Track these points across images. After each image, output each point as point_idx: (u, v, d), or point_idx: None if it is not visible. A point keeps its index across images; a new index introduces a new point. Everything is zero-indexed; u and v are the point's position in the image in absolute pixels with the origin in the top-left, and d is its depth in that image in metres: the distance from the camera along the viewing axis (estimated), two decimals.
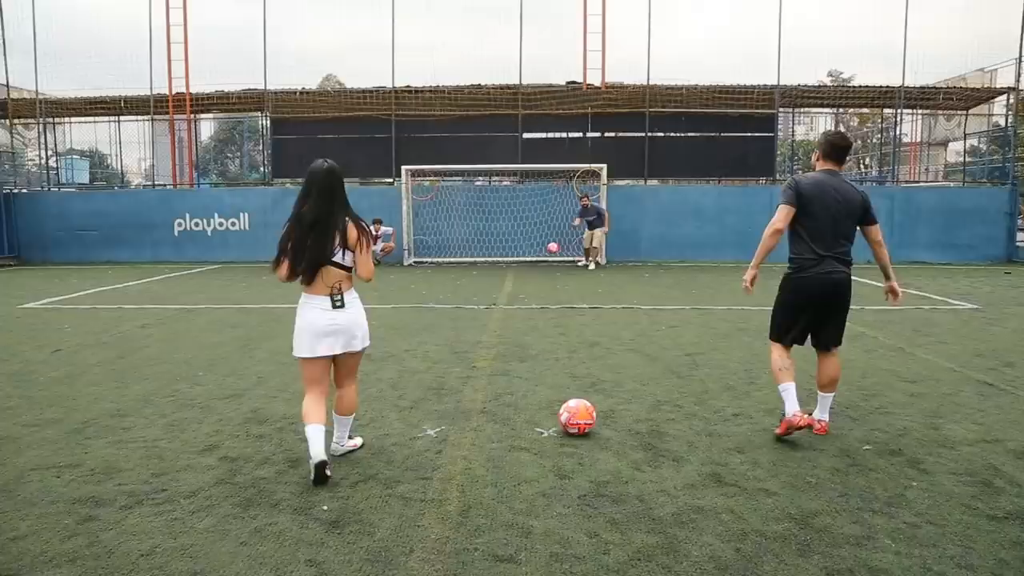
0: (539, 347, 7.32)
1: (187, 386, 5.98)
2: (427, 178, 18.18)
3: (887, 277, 4.64)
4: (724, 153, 18.74)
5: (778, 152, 26.31)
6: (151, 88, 19.09)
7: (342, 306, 3.99)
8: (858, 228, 4.47)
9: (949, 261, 17.33)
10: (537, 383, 5.92)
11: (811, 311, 4.46)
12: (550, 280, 13.81)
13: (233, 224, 18.73)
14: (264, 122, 19.64)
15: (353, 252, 3.97)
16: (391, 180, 18.45)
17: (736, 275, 14.79)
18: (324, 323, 3.98)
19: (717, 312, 9.60)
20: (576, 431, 4.54)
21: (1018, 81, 18.72)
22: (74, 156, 34.53)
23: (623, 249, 17.39)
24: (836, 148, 4.43)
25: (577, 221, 16.70)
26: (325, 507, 3.60)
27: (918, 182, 34.28)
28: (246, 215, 18.66)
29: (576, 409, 4.55)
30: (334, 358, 4.09)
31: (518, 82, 18.12)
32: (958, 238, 17.66)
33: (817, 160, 4.52)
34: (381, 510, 3.55)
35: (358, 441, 4.45)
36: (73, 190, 27.92)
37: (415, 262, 17.39)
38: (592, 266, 16.31)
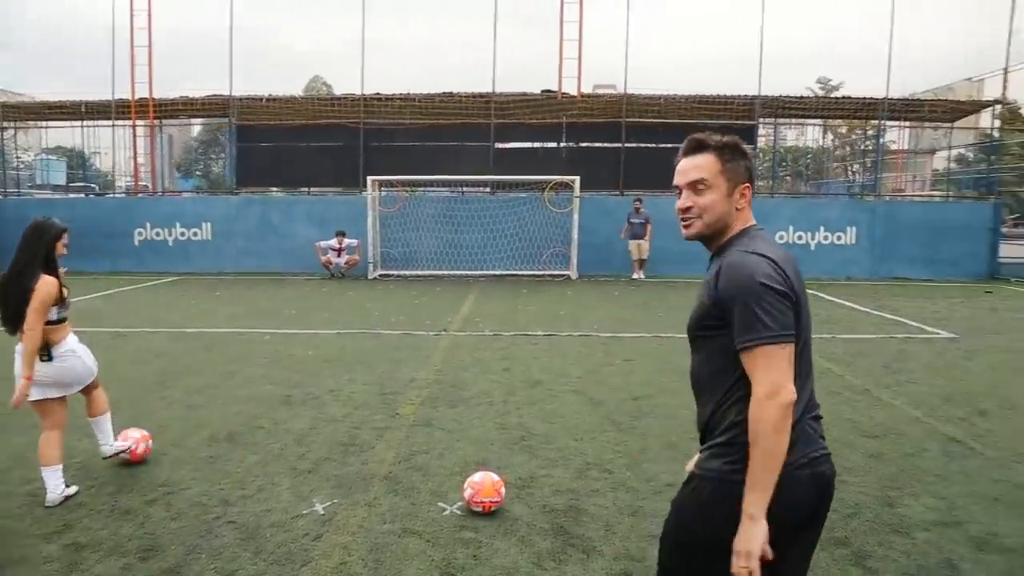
0: (476, 387, 6.75)
1: (75, 438, 5.36)
2: (397, 189, 17.60)
3: None
4: None
5: (762, 159, 25.90)
6: (113, 93, 18.44)
7: (48, 359, 4.21)
8: None
9: (930, 277, 16.86)
10: (460, 436, 5.35)
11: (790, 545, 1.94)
12: (513, 298, 13.24)
13: (195, 234, 18.09)
14: (230, 129, 18.98)
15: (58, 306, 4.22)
16: (358, 190, 17.84)
17: None
18: (37, 374, 4.17)
19: (678, 341, 9.04)
20: (481, 509, 3.98)
21: (1004, 92, 18.29)
22: (50, 157, 33.91)
23: (596, 263, 16.87)
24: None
25: (625, 231, 16.49)
26: None
27: (903, 192, 33.97)
28: (209, 225, 18.01)
29: (481, 485, 3.99)
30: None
31: (491, 90, 17.55)
32: (940, 253, 17.18)
33: (745, 201, 2.06)
34: None
35: (123, 444, 4.74)
36: (49, 194, 27.35)
37: (380, 275, 16.79)
38: (642, 276, 16.40)
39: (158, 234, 18.14)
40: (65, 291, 4.26)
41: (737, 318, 1.83)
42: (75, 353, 4.35)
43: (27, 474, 4.64)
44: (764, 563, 1.81)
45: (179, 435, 5.42)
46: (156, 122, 19.68)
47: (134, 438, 4.79)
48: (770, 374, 1.79)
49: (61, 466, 4.29)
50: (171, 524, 3.92)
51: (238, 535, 3.80)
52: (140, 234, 18.09)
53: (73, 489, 4.35)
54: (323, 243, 16.60)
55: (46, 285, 4.10)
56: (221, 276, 16.99)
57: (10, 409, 4.17)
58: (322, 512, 4.06)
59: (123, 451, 4.72)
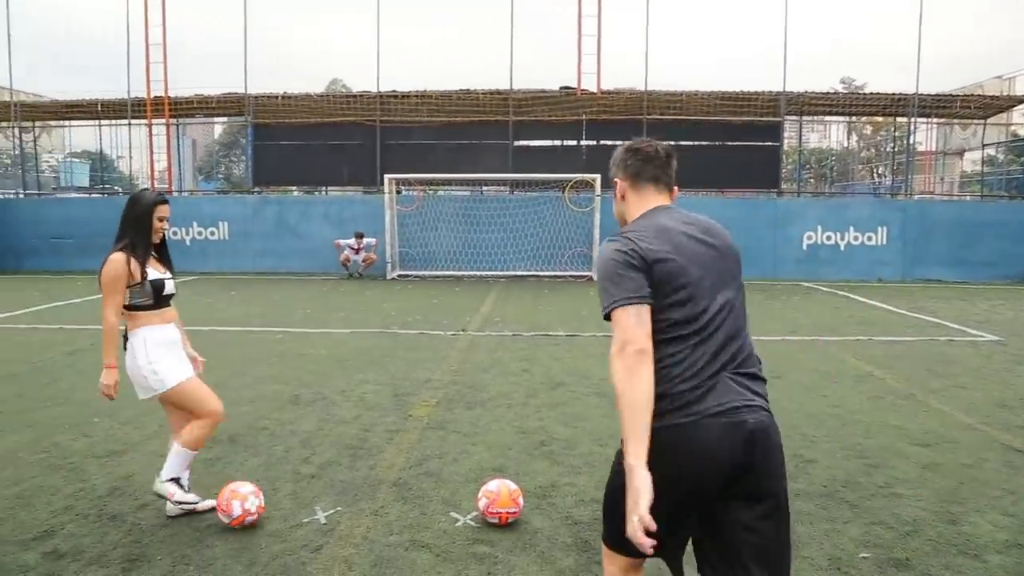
0: (494, 388, 6.39)
1: (71, 437, 5.10)
2: (415, 188, 17.32)
3: None
4: (726, 163, 17.77)
5: (787, 161, 25.37)
6: (128, 91, 18.34)
7: (124, 349, 3.69)
8: None
9: (965, 279, 16.26)
10: (476, 440, 5.00)
11: (703, 502, 1.99)
12: (534, 298, 12.87)
13: (212, 233, 17.92)
14: (247, 127, 18.81)
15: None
16: (375, 189, 17.57)
17: None
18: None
19: None
20: (497, 521, 3.62)
21: None
22: (74, 160, 34.09)
23: None
24: (654, 161, 2.25)
25: None
26: None
27: (933, 193, 33.17)
28: (225, 224, 17.84)
29: (497, 495, 3.63)
30: None
31: (509, 87, 17.21)
32: (975, 255, 16.57)
33: (623, 194, 2.30)
34: None
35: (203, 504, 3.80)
36: (74, 194, 27.40)
37: (399, 276, 16.51)
38: None
39: (175, 233, 17.93)
40: (140, 273, 3.59)
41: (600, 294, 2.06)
42: (132, 350, 3.66)
43: (17, 474, 4.37)
44: (704, 526, 2.01)
45: None
46: (173, 121, 19.53)
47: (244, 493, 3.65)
48: (618, 333, 1.95)
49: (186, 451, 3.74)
50: (160, 532, 3.60)
51: (231, 545, 3.46)
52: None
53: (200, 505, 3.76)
54: (342, 241, 16.36)
55: (109, 263, 3.56)
56: (238, 276, 16.80)
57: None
58: (324, 521, 3.72)
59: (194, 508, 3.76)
